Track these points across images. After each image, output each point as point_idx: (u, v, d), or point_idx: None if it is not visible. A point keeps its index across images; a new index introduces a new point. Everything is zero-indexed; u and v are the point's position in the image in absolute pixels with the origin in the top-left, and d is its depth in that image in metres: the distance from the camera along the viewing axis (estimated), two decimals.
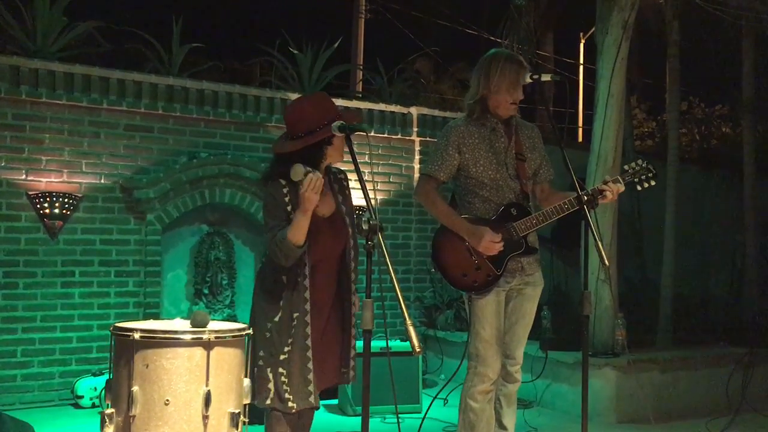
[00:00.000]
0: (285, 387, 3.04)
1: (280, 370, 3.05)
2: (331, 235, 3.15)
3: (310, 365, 3.07)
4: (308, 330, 3.07)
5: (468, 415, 3.47)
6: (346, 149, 3.02)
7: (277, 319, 3.08)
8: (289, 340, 3.06)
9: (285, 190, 3.08)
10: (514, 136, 3.54)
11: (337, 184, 3.27)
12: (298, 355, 3.06)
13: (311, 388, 3.06)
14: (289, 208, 3.06)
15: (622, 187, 3.41)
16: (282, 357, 3.06)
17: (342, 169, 3.33)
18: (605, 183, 3.40)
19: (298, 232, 2.94)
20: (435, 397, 4.45)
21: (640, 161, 3.49)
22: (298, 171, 2.89)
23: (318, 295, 3.11)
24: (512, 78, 3.42)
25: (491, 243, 3.36)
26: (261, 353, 3.08)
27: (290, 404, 3.03)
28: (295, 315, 3.07)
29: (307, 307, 3.08)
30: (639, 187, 3.46)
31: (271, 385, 3.05)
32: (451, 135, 3.50)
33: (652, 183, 3.47)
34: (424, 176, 3.58)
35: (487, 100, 3.49)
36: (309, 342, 3.07)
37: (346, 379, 3.27)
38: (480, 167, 3.47)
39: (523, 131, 3.59)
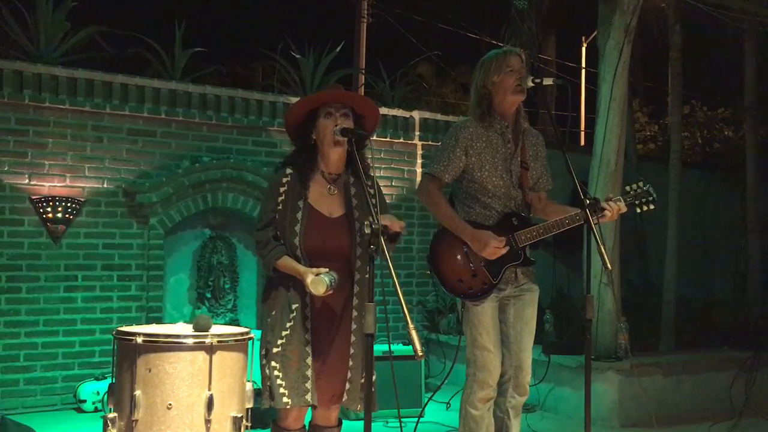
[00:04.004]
0: (279, 381, 2.96)
1: (273, 363, 2.98)
2: (330, 234, 3.08)
3: (309, 361, 2.99)
4: (308, 324, 3.01)
5: (468, 423, 3.43)
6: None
7: (273, 313, 3.05)
8: (284, 333, 3.00)
9: (285, 180, 3.10)
10: (521, 143, 3.49)
11: (356, 187, 3.17)
12: (295, 347, 2.99)
13: (309, 384, 2.97)
14: (281, 198, 3.07)
15: (623, 207, 3.37)
16: (275, 350, 2.99)
17: (373, 177, 3.24)
18: (607, 201, 3.36)
19: (284, 270, 3.03)
20: (430, 399, 4.45)
21: (641, 184, 3.44)
22: (320, 287, 2.88)
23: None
24: (509, 61, 3.40)
25: (495, 248, 3.31)
26: (263, 352, 3.04)
27: (284, 399, 2.95)
28: (294, 306, 3.02)
29: (307, 299, 3.02)
30: (638, 210, 3.42)
31: (268, 383, 2.98)
32: (460, 135, 3.42)
33: (651, 207, 3.43)
34: (428, 176, 3.49)
35: (491, 97, 3.43)
36: (308, 336, 3.00)
37: (351, 399, 3.08)
38: (485, 172, 3.41)
39: (528, 138, 3.54)
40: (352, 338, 3.09)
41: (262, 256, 3.09)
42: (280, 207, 3.07)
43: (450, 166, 3.43)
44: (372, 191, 3.10)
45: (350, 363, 3.08)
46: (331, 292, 2.91)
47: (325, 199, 3.13)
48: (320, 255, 3.03)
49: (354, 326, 3.09)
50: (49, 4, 5.79)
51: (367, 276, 3.06)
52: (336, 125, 3.05)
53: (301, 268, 2.97)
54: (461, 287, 3.39)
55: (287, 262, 3.02)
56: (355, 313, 3.10)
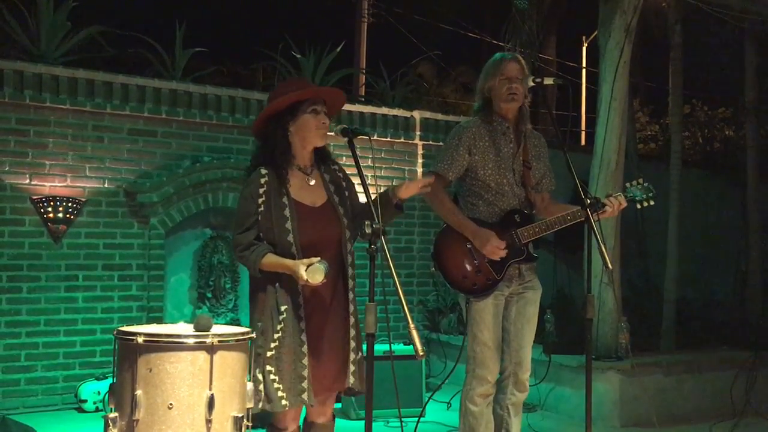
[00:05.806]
0: (276, 385, 2.95)
1: (268, 367, 2.97)
2: (320, 224, 3.07)
3: (305, 361, 2.97)
4: (302, 324, 2.99)
5: (468, 419, 3.47)
6: (348, 152, 3.02)
7: (263, 317, 3.02)
8: (276, 336, 2.97)
9: (263, 180, 3.05)
10: (522, 143, 3.55)
11: (329, 174, 3.19)
12: (290, 349, 2.96)
13: (305, 384, 2.96)
14: (261, 199, 3.03)
15: (623, 202, 3.43)
16: (269, 354, 2.97)
17: (340, 163, 3.30)
18: (607, 197, 3.43)
19: (271, 268, 2.97)
20: (430, 397, 4.45)
21: (641, 180, 3.52)
22: (317, 275, 2.84)
23: (312, 287, 2.96)
24: (504, 69, 3.44)
25: (496, 248, 3.36)
26: (253, 357, 3.02)
27: (283, 402, 2.94)
28: (284, 308, 2.98)
29: (300, 300, 2.99)
30: (639, 206, 3.49)
31: (261, 387, 2.97)
32: (463, 135, 3.50)
33: (651, 203, 3.50)
34: (432, 174, 3.54)
35: (491, 100, 3.51)
36: (304, 337, 2.98)
37: (348, 384, 3.10)
38: (488, 170, 3.48)
39: (530, 140, 3.60)
40: (351, 320, 3.10)
41: (244, 258, 3.01)
42: (261, 209, 3.02)
43: (453, 164, 3.50)
44: (343, 179, 3.17)
45: (352, 344, 3.09)
46: (325, 280, 2.88)
47: (305, 191, 3.12)
48: (314, 247, 3.00)
49: (352, 308, 3.10)
50: (50, 4, 5.79)
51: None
52: (323, 123, 3.09)
53: (289, 262, 2.93)
54: (465, 283, 3.44)
55: (272, 260, 2.96)
56: (351, 295, 3.11)
